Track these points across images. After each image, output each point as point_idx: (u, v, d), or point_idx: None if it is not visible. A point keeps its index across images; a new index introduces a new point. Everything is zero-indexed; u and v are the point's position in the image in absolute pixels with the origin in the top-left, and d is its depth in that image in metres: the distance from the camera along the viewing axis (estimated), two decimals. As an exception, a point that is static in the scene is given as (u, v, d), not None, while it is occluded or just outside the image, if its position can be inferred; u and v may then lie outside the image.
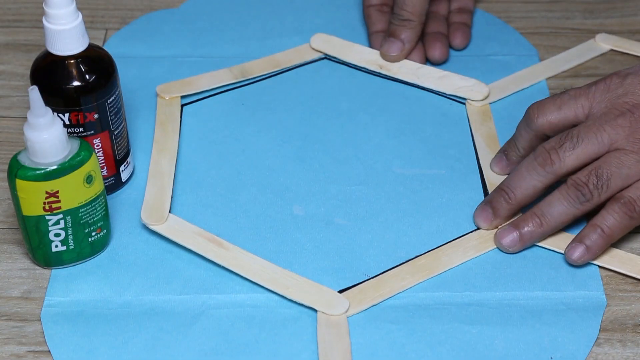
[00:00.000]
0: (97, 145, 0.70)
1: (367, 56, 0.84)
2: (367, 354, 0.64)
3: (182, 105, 0.80)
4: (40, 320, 0.65)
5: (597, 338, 0.65)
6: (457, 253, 0.69)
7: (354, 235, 0.71)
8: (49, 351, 0.64)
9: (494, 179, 0.74)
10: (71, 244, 0.67)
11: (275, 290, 0.67)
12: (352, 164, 0.76)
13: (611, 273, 0.69)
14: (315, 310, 0.66)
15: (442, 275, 0.68)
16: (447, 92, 0.82)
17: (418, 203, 0.73)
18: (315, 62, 0.85)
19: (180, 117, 0.79)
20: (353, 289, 0.67)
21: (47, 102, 0.63)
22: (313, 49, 0.85)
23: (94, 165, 0.65)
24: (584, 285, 0.68)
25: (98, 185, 0.66)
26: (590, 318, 0.66)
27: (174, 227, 0.70)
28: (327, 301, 0.66)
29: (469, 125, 0.79)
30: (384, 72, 0.83)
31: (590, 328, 0.65)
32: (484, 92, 0.81)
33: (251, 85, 0.83)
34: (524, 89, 0.82)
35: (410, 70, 0.83)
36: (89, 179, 0.65)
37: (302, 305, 0.66)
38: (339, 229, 0.71)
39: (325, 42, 0.85)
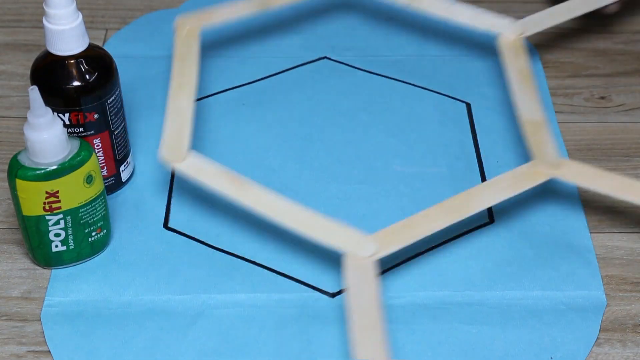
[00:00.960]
0: (97, 145, 0.70)
1: None
2: (367, 354, 0.64)
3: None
4: (40, 320, 0.65)
5: (597, 338, 0.65)
6: (490, 193, 0.66)
7: (354, 235, 0.71)
8: (49, 351, 0.64)
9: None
10: (71, 244, 0.67)
11: (299, 231, 0.64)
12: (353, 163, 0.76)
13: (611, 273, 0.69)
14: (316, 304, 0.66)
15: (442, 275, 0.68)
16: (481, 29, 0.79)
17: (419, 201, 0.73)
18: (315, 62, 0.85)
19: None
20: (383, 230, 0.64)
21: (47, 102, 0.63)
22: None
23: (94, 165, 0.65)
24: (584, 285, 0.68)
25: (98, 185, 0.66)
26: (590, 318, 0.66)
27: (195, 166, 0.67)
28: (354, 243, 0.63)
29: (502, 60, 0.76)
30: (414, 5, 0.80)
31: (590, 328, 0.65)
32: (517, 32, 0.79)
33: (251, 85, 0.83)
34: (559, 24, 0.81)
35: (443, 6, 0.80)
36: (89, 179, 0.65)
37: (327, 248, 0.63)
38: (339, 228, 0.71)
39: None
